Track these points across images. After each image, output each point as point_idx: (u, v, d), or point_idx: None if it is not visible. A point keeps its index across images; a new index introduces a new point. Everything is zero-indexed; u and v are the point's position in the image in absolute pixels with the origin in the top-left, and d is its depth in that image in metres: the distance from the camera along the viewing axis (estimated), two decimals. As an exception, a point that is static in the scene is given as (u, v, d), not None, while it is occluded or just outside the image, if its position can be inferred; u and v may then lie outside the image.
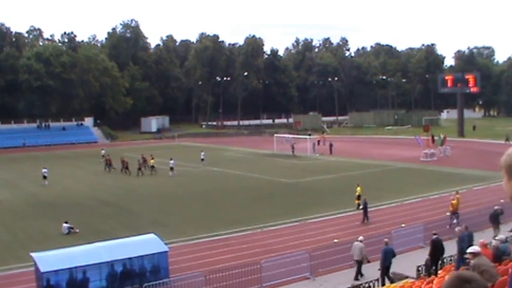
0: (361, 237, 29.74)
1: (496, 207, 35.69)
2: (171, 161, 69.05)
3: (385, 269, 27.10)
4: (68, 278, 25.11)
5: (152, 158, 70.36)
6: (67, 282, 25.12)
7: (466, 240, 25.16)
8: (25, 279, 28.05)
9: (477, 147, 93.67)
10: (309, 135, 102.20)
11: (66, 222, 38.85)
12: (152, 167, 69.29)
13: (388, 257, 27.23)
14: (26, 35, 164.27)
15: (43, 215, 45.90)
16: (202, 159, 78.29)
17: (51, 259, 25.70)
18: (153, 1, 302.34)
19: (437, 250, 27.02)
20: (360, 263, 28.28)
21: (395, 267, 27.54)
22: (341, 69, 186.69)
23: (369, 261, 29.02)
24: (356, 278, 27.60)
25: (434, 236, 27.70)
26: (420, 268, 26.71)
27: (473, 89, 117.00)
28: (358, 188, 44.28)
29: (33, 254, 26.18)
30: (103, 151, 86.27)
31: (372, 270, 27.83)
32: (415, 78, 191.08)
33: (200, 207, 47.43)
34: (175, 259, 29.65)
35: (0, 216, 45.91)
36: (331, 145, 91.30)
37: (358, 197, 43.39)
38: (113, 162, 73.92)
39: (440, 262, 26.97)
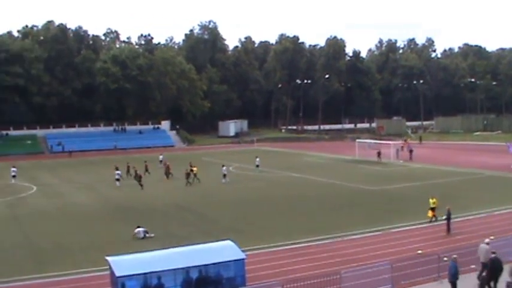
0: (487, 240, 29.25)
1: None
2: (223, 168, 68.73)
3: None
4: (143, 283, 25.40)
5: (193, 167, 69.47)
6: (142, 287, 25.43)
7: None
8: (100, 283, 28.51)
9: None
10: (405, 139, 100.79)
11: (138, 227, 39.44)
12: (195, 175, 68.06)
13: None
14: (103, 37, 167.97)
15: (119, 218, 46.72)
16: (257, 166, 78.48)
17: (127, 263, 26.05)
18: (231, 2, 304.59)
19: (494, 269, 26.38)
20: (485, 266, 27.61)
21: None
22: (427, 72, 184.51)
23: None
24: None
25: (493, 255, 26.93)
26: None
27: None
28: (433, 200, 42.51)
29: (108, 258, 26.56)
30: (161, 156, 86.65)
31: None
32: (506, 80, 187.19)
33: (278, 214, 47.32)
34: (252, 267, 29.60)
35: (76, 219, 46.96)
36: (411, 151, 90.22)
37: (432, 209, 42.43)
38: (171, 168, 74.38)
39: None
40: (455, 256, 27.07)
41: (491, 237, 34.71)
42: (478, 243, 31.89)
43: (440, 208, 41.53)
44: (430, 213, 42.06)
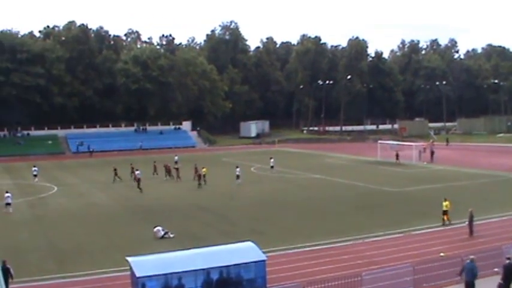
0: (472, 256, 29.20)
1: None
2: (237, 169, 68.49)
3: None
4: (163, 284, 25.46)
5: (202, 168, 68.67)
6: (162, 287, 25.51)
7: None
8: (121, 283, 28.66)
9: None
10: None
11: (155, 227, 39.69)
12: (204, 176, 67.04)
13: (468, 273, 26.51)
14: (124, 38, 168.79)
15: (139, 219, 46.95)
16: (272, 167, 78.47)
17: (147, 264, 26.13)
18: (253, 2, 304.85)
19: (509, 275, 26.18)
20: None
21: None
22: (449, 73, 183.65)
23: None
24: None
25: (508, 261, 26.72)
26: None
27: None
28: (445, 203, 42.23)
29: (129, 259, 26.64)
30: (176, 157, 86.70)
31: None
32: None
33: (300, 216, 47.34)
34: (272, 268, 29.62)
35: (96, 219, 47.30)
36: (432, 152, 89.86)
37: (445, 212, 42.01)
38: (171, 170, 73.98)
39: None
40: (472, 257, 26.99)
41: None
42: (501, 246, 31.72)
43: (462, 211, 41.38)
44: (445, 217, 41.87)
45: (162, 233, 39.11)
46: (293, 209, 50.58)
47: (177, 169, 73.32)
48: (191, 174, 70.25)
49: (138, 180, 64.89)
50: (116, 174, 72.42)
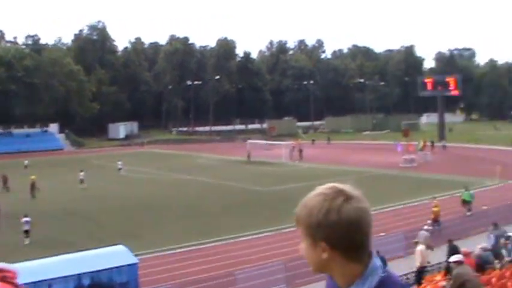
0: (426, 227, 30.46)
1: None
2: (81, 173, 66.83)
3: None
4: (32, 292, 24.88)
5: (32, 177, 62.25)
6: (31, 296, 24.88)
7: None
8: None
9: (459, 152, 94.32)
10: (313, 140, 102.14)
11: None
12: (33, 184, 61.20)
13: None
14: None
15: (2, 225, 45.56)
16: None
17: (14, 272, 25.44)
18: (121, 3, 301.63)
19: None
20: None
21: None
22: (317, 72, 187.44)
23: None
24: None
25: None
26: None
27: (454, 92, 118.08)
28: None
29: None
30: (26, 161, 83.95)
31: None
32: (393, 81, 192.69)
33: (171, 217, 47.13)
34: (145, 271, 29.44)
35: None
36: (300, 151, 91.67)
37: None
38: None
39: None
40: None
41: (382, 234, 35.68)
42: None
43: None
44: None
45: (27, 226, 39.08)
46: (164, 210, 50.34)
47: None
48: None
49: None
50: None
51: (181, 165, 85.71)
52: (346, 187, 2.87)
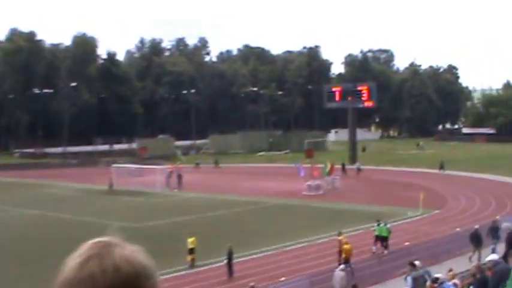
0: (342, 266, 30.40)
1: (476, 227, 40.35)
2: None
3: None
4: None
5: None
6: None
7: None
8: None
9: (375, 176, 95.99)
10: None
11: None
12: None
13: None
14: None
15: None
16: None
17: None
18: None
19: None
20: None
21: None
22: (199, 79, 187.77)
23: None
24: None
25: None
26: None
27: (368, 104, 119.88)
28: (190, 240, 43.00)
29: None
30: None
31: None
32: (294, 89, 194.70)
33: (6, 265, 46.09)
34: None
35: None
36: (180, 177, 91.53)
37: (191, 251, 42.67)
38: None
39: None
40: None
41: (282, 279, 35.75)
42: (266, 286, 32.67)
43: (219, 247, 42.21)
44: (188, 257, 42.35)
45: None
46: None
47: None
48: None
49: None
50: None
51: (28, 197, 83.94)
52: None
